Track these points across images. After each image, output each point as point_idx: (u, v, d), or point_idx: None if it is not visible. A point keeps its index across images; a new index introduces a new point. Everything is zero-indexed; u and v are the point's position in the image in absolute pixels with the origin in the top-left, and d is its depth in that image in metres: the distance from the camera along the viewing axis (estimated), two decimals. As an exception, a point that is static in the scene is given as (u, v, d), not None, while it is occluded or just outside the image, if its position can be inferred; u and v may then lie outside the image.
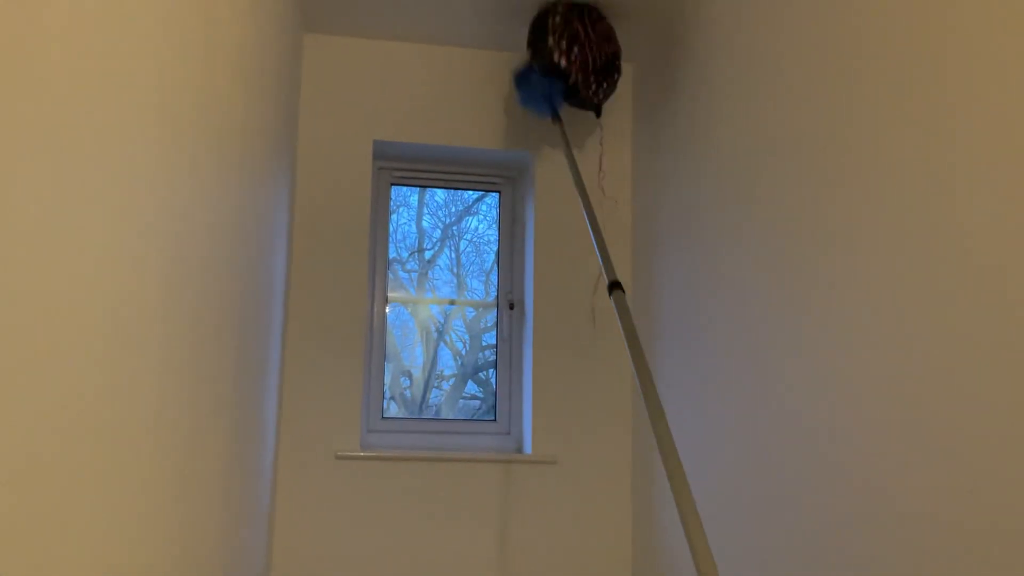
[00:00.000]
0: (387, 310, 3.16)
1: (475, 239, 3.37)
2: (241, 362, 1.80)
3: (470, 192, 3.35)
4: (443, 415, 3.24)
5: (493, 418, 3.15)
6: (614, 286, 2.02)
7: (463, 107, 3.11)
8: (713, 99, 2.47)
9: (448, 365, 3.33)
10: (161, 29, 1.02)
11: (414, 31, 3.03)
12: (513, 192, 3.29)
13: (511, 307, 3.19)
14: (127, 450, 0.94)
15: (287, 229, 2.71)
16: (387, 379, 3.14)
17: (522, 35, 3.02)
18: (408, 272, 3.30)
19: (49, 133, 0.67)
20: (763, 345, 2.08)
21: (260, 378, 2.17)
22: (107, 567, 0.88)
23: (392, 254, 3.23)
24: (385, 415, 3.10)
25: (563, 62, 2.70)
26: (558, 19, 2.74)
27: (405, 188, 3.28)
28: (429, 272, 3.34)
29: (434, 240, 3.35)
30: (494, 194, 3.32)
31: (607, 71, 2.75)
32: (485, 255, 3.35)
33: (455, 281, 3.34)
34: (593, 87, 2.75)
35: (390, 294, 3.19)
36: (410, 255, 3.31)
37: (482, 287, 3.33)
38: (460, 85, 3.12)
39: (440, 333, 3.31)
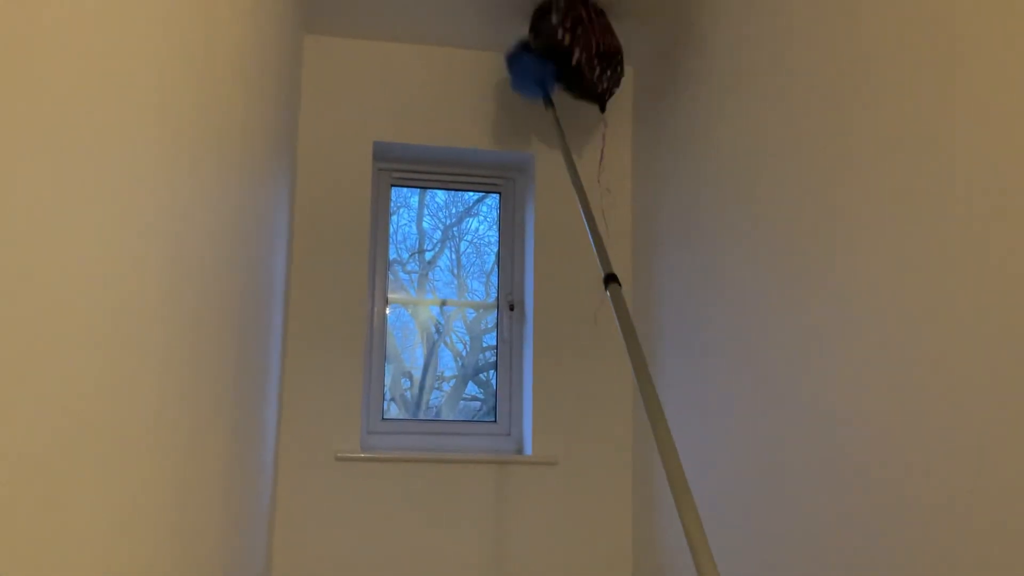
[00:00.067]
0: (387, 311, 3.16)
1: (475, 240, 3.37)
2: (241, 362, 1.80)
3: (470, 193, 3.35)
4: (443, 416, 3.24)
5: (493, 419, 3.15)
6: (610, 279, 2.01)
7: (463, 108, 3.11)
8: (713, 99, 2.47)
9: (448, 366, 3.33)
10: (161, 29, 1.02)
11: (414, 32, 3.03)
12: (513, 193, 3.29)
13: (511, 308, 3.19)
14: (127, 450, 0.94)
15: (287, 230, 2.71)
16: (387, 380, 3.14)
17: (522, 36, 3.02)
18: (408, 273, 3.30)
19: (49, 133, 0.67)
20: (763, 345, 2.08)
21: (260, 379, 2.17)
22: (107, 567, 0.88)
23: (392, 255, 3.23)
24: (385, 416, 3.10)
25: (567, 39, 2.69)
26: (562, 3, 2.74)
27: (406, 189, 3.29)
28: (429, 273, 3.34)
29: (434, 241, 3.36)
30: (494, 195, 3.32)
31: (610, 60, 2.75)
32: (485, 256, 3.35)
33: (455, 282, 3.34)
34: (597, 71, 2.73)
35: (390, 295, 3.20)
36: (410, 256, 3.31)
37: (482, 288, 3.33)
38: (460, 86, 3.12)
39: (440, 334, 3.31)
